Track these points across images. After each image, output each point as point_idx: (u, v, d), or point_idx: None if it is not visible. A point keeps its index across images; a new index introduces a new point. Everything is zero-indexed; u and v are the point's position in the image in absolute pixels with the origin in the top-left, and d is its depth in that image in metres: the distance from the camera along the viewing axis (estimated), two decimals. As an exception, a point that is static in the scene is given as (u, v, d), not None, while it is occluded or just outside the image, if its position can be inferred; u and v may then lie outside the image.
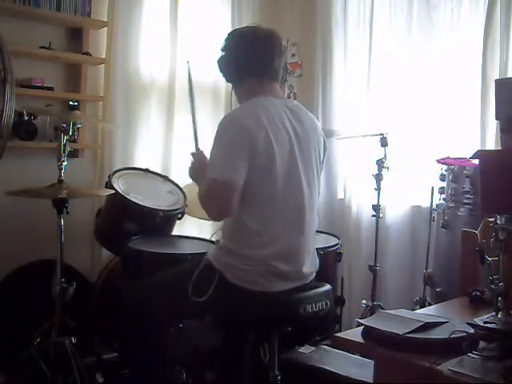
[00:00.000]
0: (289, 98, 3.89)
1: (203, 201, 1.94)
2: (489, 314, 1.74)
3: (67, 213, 2.38)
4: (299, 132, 1.99)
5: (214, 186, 1.86)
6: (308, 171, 2.01)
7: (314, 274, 2.07)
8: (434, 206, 2.77)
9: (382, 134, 2.97)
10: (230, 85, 2.15)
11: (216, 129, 1.92)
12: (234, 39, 2.07)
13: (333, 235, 2.89)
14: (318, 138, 2.09)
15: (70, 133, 2.43)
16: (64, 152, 2.38)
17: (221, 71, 2.09)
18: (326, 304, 1.99)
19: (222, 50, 2.07)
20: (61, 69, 3.20)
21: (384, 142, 2.96)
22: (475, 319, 1.72)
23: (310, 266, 2.03)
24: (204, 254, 2.08)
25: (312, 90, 3.74)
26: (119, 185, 2.81)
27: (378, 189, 3.02)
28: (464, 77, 3.11)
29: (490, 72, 2.89)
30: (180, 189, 3.05)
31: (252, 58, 2.02)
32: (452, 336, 1.52)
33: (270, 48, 2.03)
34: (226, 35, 2.10)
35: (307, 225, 1.99)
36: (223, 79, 2.14)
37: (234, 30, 2.15)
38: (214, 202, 1.90)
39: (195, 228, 3.38)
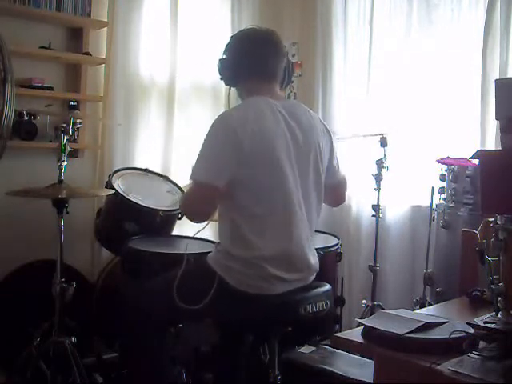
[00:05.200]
0: (289, 98, 3.88)
1: (187, 204, 2.04)
2: (489, 314, 1.73)
3: (67, 213, 2.38)
4: (295, 131, 1.97)
5: (197, 189, 1.91)
6: (305, 172, 1.97)
7: (314, 274, 2.05)
8: (434, 206, 2.77)
9: (382, 134, 2.98)
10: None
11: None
12: (230, 43, 2.09)
13: (333, 235, 2.88)
14: (317, 137, 2.03)
15: (70, 133, 2.44)
16: (64, 152, 2.39)
17: (220, 74, 2.10)
18: (326, 304, 1.99)
19: (223, 54, 2.09)
20: (61, 69, 3.20)
21: (384, 142, 2.97)
22: (475, 319, 1.71)
23: (308, 267, 2.00)
24: (204, 254, 2.08)
25: (312, 90, 3.74)
26: (119, 185, 2.81)
27: (378, 189, 3.02)
28: (464, 77, 3.10)
29: (490, 72, 2.89)
30: (180, 189, 3.05)
31: (246, 60, 2.02)
32: (452, 336, 1.52)
33: (263, 49, 2.03)
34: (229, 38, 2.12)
35: (299, 228, 1.95)
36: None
37: (234, 34, 2.15)
38: (196, 205, 1.96)
39: (195, 228, 3.37)
